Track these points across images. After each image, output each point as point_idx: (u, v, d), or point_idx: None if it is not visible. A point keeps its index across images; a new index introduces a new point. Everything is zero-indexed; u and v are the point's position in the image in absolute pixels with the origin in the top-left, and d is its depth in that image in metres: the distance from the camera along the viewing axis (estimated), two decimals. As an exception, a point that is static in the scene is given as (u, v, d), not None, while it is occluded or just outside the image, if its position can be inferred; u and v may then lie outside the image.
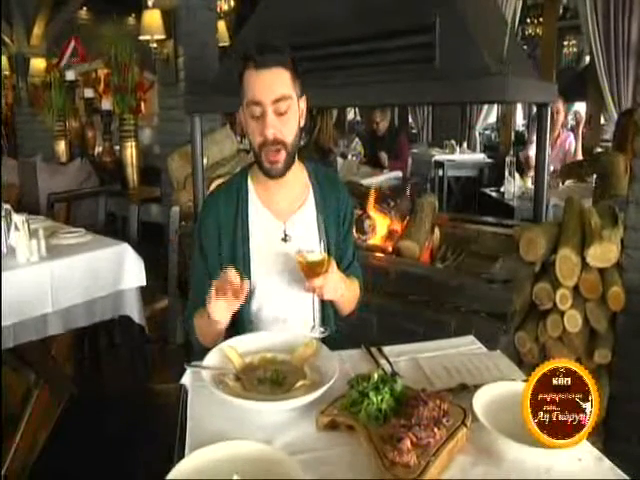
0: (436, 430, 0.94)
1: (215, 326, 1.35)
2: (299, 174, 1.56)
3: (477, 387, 1.12)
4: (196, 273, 1.55)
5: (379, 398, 1.03)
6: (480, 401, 1.06)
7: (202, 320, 1.43)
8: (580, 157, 4.61)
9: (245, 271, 1.47)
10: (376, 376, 1.08)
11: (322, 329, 1.50)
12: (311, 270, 1.37)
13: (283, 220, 1.51)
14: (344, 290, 1.47)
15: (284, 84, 1.39)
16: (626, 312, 1.96)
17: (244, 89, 1.40)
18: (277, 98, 1.37)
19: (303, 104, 1.47)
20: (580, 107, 7.33)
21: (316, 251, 1.39)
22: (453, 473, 0.93)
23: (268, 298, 1.51)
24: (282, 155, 1.41)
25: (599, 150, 5.49)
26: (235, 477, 0.84)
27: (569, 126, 6.73)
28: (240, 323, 1.47)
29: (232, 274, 1.27)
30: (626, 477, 0.93)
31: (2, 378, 2.10)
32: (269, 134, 1.38)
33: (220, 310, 1.29)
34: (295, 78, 1.42)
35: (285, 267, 1.47)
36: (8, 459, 2.05)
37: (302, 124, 1.48)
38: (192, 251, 1.59)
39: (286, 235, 1.49)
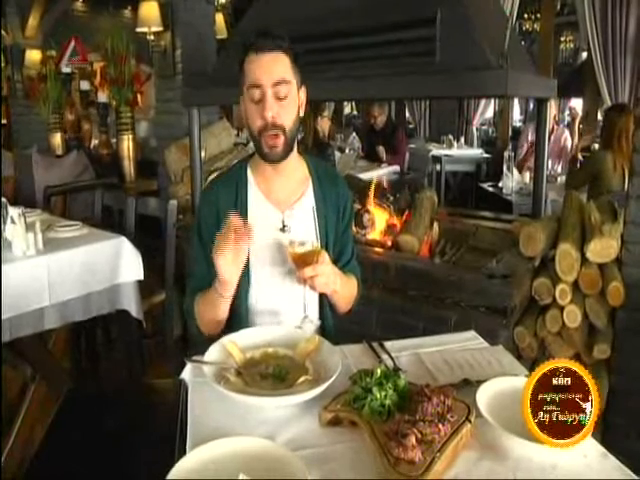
0: (440, 426, 0.93)
1: (221, 298, 1.36)
2: (299, 166, 1.56)
3: (480, 382, 1.12)
4: (195, 261, 1.54)
5: (382, 394, 1.02)
6: (484, 397, 1.05)
7: (205, 300, 1.44)
8: (579, 154, 4.61)
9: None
10: (379, 371, 1.07)
11: (311, 320, 1.50)
12: (302, 260, 1.36)
13: (282, 210, 1.51)
14: (338, 286, 1.45)
15: (284, 68, 1.40)
16: (625, 307, 1.97)
17: (244, 74, 1.41)
18: (277, 81, 1.37)
19: (303, 94, 1.48)
20: (577, 103, 7.34)
21: (308, 241, 1.39)
22: (458, 469, 0.92)
23: (264, 289, 1.50)
24: (281, 139, 1.41)
25: (596, 146, 5.50)
26: (241, 476, 0.83)
27: (565, 122, 6.74)
28: (237, 313, 1.47)
29: (235, 219, 1.28)
30: (632, 474, 0.92)
31: (2, 374, 2.08)
32: (268, 117, 1.38)
33: (228, 265, 1.29)
34: (294, 65, 1.43)
35: (282, 258, 1.47)
36: (4, 454, 2.04)
37: (301, 114, 1.48)
38: (191, 240, 1.58)
39: (284, 226, 1.49)
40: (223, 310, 1.41)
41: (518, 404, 0.99)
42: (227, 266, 1.30)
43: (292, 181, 1.54)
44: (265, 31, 1.41)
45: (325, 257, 1.38)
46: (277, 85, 1.38)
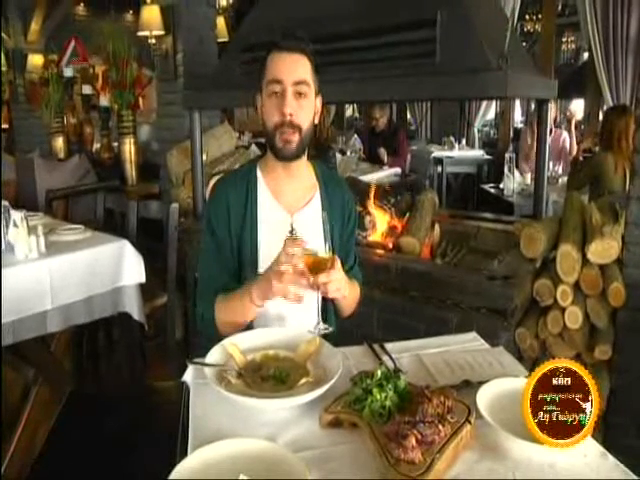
0: (440, 427, 0.94)
1: (253, 305, 1.36)
2: (307, 171, 1.57)
3: (480, 383, 1.12)
4: (207, 258, 1.54)
5: (383, 395, 1.02)
6: (484, 397, 1.05)
7: (231, 307, 1.43)
8: (580, 156, 4.60)
9: (252, 261, 1.47)
10: (379, 373, 1.07)
11: (325, 326, 1.50)
12: (315, 266, 1.36)
13: (291, 214, 1.51)
14: (347, 291, 1.46)
15: (305, 70, 1.42)
16: (626, 308, 1.97)
17: (265, 70, 1.43)
18: (297, 81, 1.39)
19: (319, 103, 1.50)
20: (578, 104, 7.33)
21: (321, 248, 1.39)
22: (458, 470, 0.92)
23: None
24: (296, 136, 1.42)
25: (597, 148, 5.50)
26: (241, 476, 0.83)
27: (565, 124, 6.71)
28: None
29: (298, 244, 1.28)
30: (630, 473, 0.93)
31: (2, 377, 2.09)
32: (287, 112, 1.39)
33: (285, 288, 1.29)
34: (315, 71, 1.45)
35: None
36: (7, 458, 2.04)
37: (316, 121, 1.50)
38: (203, 238, 1.57)
39: (293, 229, 1.49)
40: (253, 314, 1.41)
41: (518, 405, 0.99)
42: (285, 289, 1.29)
43: (301, 185, 1.55)
44: (290, 33, 1.44)
45: (338, 263, 1.39)
46: (298, 84, 1.39)
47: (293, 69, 1.40)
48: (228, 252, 1.49)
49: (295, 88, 1.39)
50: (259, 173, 1.54)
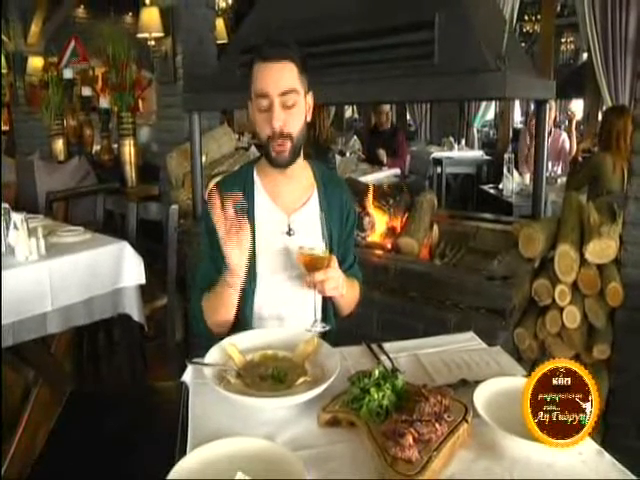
0: (437, 426, 0.94)
1: (228, 288, 1.38)
2: (304, 171, 1.58)
3: (477, 382, 1.13)
4: (204, 259, 1.55)
5: (380, 394, 1.03)
6: (481, 396, 1.06)
7: (213, 296, 1.45)
8: (579, 156, 4.61)
9: (251, 263, 1.48)
10: (377, 372, 1.08)
11: (323, 324, 1.50)
12: (312, 265, 1.38)
13: (288, 214, 1.52)
14: (344, 289, 1.47)
15: (291, 78, 1.41)
16: (624, 307, 1.97)
17: (252, 81, 1.43)
18: (284, 91, 1.39)
19: (310, 99, 1.50)
20: (578, 104, 7.34)
21: (318, 246, 1.40)
22: (455, 468, 0.93)
23: (270, 292, 1.51)
24: (288, 145, 1.43)
25: (596, 148, 5.51)
26: (239, 475, 0.84)
27: (565, 124, 6.73)
28: (243, 317, 1.48)
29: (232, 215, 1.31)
30: (627, 471, 0.93)
31: (2, 378, 2.09)
32: (276, 126, 1.40)
33: (234, 249, 1.32)
34: (302, 72, 1.44)
35: (288, 261, 1.48)
36: (7, 459, 2.05)
37: (309, 119, 1.50)
38: (201, 238, 1.59)
39: (290, 229, 1.50)
40: (231, 304, 1.42)
41: (515, 403, 1.00)
42: (233, 250, 1.33)
43: (298, 186, 1.56)
44: (273, 40, 1.44)
45: (335, 262, 1.40)
46: (284, 95, 1.39)
47: (278, 80, 1.39)
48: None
49: (282, 99, 1.39)
50: (256, 175, 1.55)
